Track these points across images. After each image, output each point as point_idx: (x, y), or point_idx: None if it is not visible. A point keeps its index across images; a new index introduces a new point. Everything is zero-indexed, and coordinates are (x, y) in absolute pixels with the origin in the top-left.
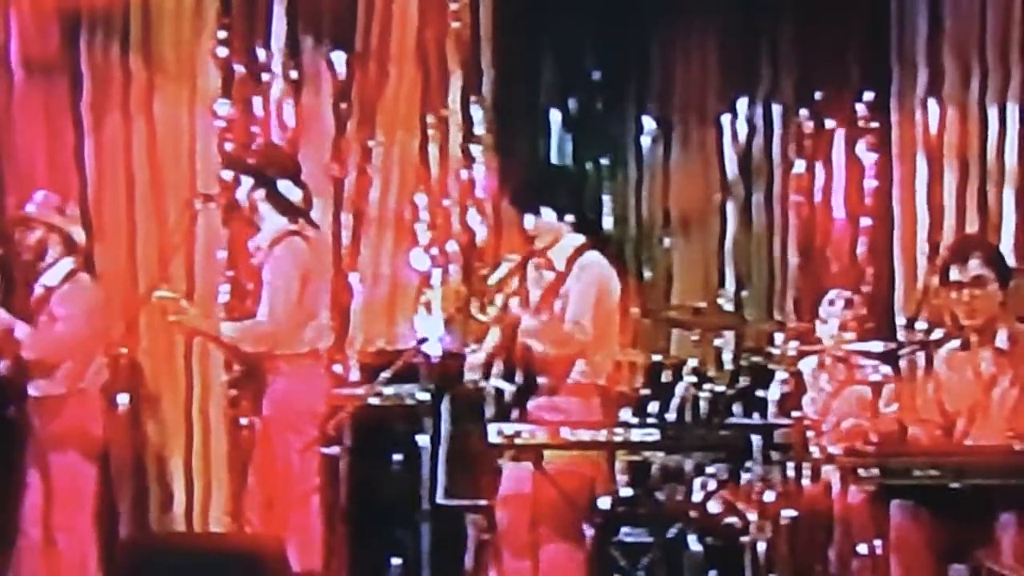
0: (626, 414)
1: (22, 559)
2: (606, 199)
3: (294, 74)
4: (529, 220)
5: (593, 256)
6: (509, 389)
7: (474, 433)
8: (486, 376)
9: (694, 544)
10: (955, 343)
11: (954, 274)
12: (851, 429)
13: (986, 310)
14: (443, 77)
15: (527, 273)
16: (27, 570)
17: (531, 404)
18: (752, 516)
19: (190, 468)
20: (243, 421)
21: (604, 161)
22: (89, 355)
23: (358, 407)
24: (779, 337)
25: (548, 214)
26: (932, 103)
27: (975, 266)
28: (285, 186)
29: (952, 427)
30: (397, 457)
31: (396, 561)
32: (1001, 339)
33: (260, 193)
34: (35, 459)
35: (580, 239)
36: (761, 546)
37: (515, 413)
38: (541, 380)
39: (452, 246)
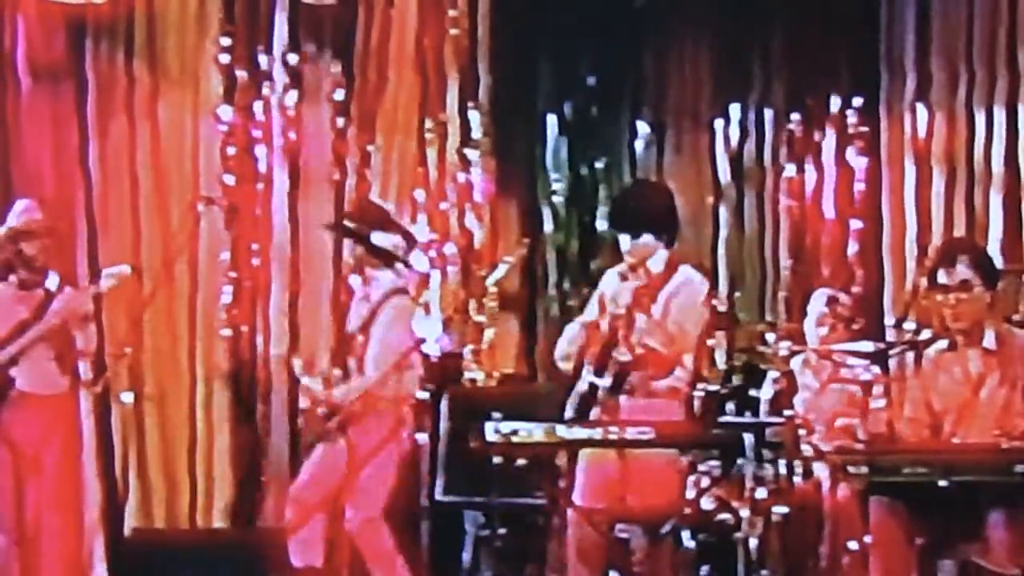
0: None
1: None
2: (601, 202)
3: (295, 80)
4: (624, 241)
5: (688, 270)
6: (603, 385)
7: (472, 431)
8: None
9: (688, 540)
10: (943, 343)
11: (942, 277)
12: (841, 426)
13: (972, 314)
14: (441, 83)
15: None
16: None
17: (624, 402)
18: (744, 513)
19: (194, 465)
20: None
21: (599, 165)
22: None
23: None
24: (771, 337)
25: (645, 236)
26: (920, 108)
27: (962, 270)
28: (379, 237)
29: (940, 426)
30: None
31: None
32: (989, 339)
33: (360, 251)
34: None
35: (667, 253)
36: (753, 542)
37: (597, 410)
38: (632, 380)
39: (450, 248)
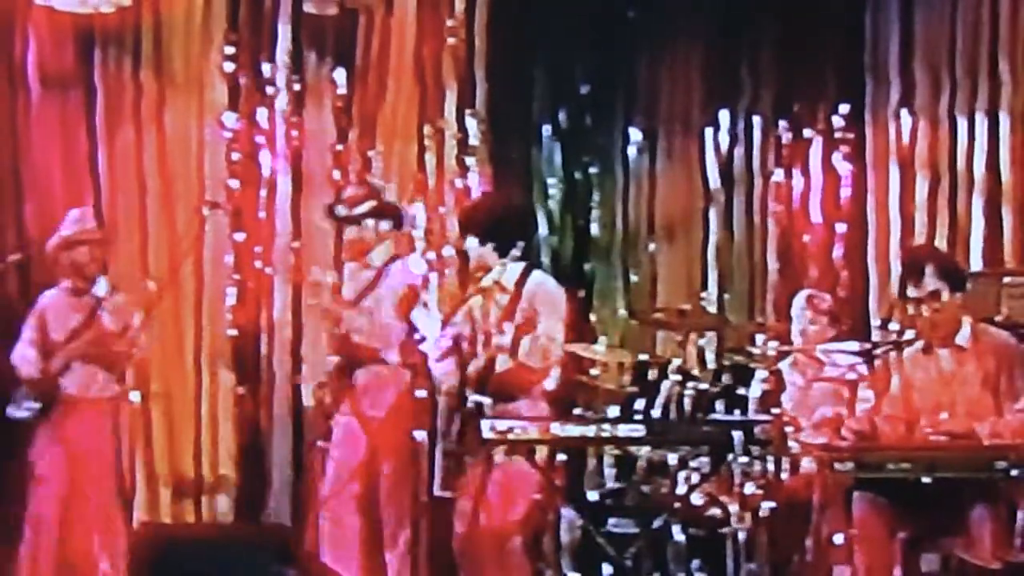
0: (614, 411)
1: (31, 552)
2: (594, 206)
3: (298, 87)
4: (472, 245)
5: (539, 277)
6: (487, 402)
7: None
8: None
9: (678, 534)
10: (919, 344)
11: (911, 291)
12: (826, 421)
13: (947, 321)
14: (439, 90)
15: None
16: (39, 563)
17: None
18: (733, 508)
19: (199, 461)
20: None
21: (593, 170)
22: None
23: None
24: (759, 337)
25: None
26: (904, 115)
27: (930, 281)
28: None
29: (918, 422)
30: None
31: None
32: (963, 337)
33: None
34: (53, 455)
35: (518, 267)
36: (741, 536)
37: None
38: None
39: (448, 251)
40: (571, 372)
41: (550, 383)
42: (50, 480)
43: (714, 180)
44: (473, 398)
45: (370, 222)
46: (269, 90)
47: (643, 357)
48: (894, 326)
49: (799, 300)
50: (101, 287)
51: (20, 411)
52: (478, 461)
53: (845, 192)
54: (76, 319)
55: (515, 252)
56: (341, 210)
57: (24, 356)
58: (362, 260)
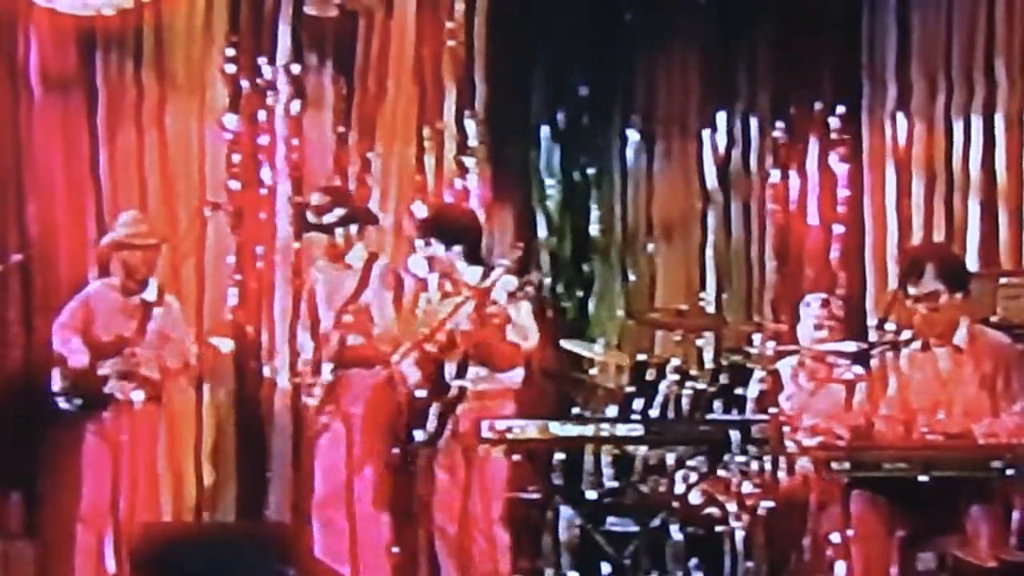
0: (612, 410)
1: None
2: (593, 207)
3: (298, 89)
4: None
5: (505, 279)
6: (469, 387)
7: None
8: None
9: (676, 533)
10: (918, 343)
11: (911, 289)
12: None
13: (944, 322)
14: (439, 92)
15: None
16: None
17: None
18: (731, 507)
19: (200, 460)
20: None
21: (591, 171)
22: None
23: None
24: (757, 338)
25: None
26: (901, 117)
27: (929, 281)
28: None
29: (915, 422)
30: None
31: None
32: (960, 338)
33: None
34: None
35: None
36: (739, 535)
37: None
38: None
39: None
40: (569, 370)
41: (517, 377)
42: (94, 480)
43: (712, 181)
44: (455, 383)
45: (339, 228)
46: (269, 92)
47: (642, 357)
48: (891, 326)
49: (813, 303)
50: (151, 292)
51: (66, 404)
52: (458, 454)
53: (842, 193)
54: (124, 323)
55: (514, 256)
56: (311, 218)
57: (70, 345)
58: (341, 263)
